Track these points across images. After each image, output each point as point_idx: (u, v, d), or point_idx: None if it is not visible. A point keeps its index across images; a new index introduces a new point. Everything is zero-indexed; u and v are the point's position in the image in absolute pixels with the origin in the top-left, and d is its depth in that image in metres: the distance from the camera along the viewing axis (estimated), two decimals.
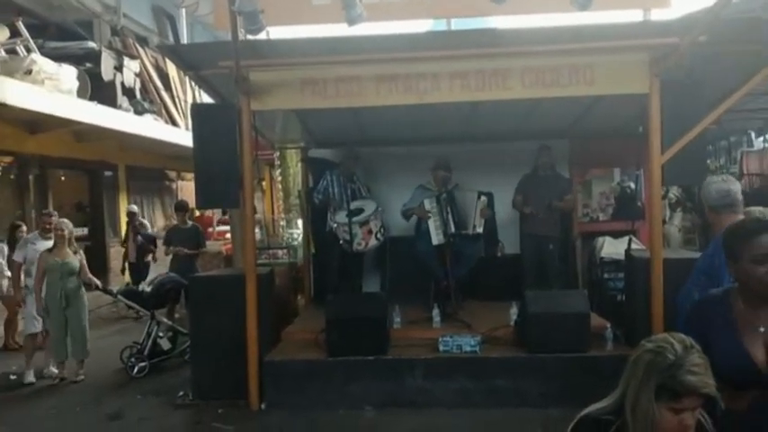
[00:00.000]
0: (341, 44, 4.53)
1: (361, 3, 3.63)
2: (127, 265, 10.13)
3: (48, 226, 6.36)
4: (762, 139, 11.41)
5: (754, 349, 1.92)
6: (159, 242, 9.35)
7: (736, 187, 3.09)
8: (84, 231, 10.32)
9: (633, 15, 5.52)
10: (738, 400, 1.88)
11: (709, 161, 10.53)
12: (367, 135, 6.84)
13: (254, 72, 4.62)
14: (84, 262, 6.17)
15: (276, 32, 6.61)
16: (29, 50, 8.53)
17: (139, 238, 9.68)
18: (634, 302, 5.01)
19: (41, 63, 7.93)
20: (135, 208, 10.63)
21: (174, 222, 8.77)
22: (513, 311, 5.34)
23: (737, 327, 1.96)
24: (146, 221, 10.68)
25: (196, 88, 11.47)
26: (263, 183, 9.86)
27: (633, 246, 5.65)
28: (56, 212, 6.88)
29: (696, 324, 2.05)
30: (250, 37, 4.22)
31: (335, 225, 6.17)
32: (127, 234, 10.24)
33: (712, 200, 3.06)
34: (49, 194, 9.79)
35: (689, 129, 4.45)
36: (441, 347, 4.87)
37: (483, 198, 5.97)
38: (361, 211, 6.14)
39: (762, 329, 1.93)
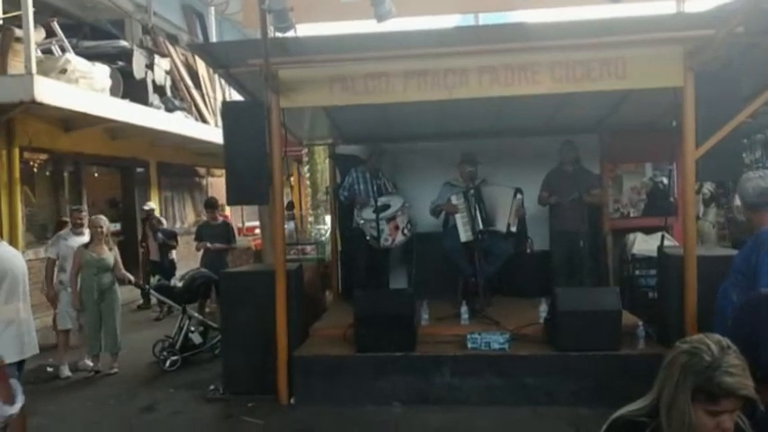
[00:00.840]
0: (369, 41, 4.52)
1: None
2: (149, 265, 9.67)
3: (79, 221, 6.48)
4: None
5: None
6: (181, 238, 9.39)
7: None
8: (117, 227, 10.53)
9: (666, 7, 5.39)
10: None
11: (744, 155, 10.26)
12: (394, 131, 6.83)
13: (283, 69, 4.65)
14: (119, 258, 6.30)
15: (305, 29, 6.64)
16: (63, 50, 8.72)
17: (160, 235, 9.28)
18: (667, 300, 4.92)
19: (75, 62, 8.10)
20: (152, 205, 10.28)
21: (204, 219, 8.91)
22: (543, 309, 5.29)
23: None
24: (162, 218, 10.16)
25: (225, 86, 11.60)
26: (292, 179, 9.93)
27: (666, 242, 5.54)
28: (86, 208, 7.03)
29: (745, 325, 2.01)
30: (279, 35, 4.25)
31: (362, 222, 6.18)
32: (144, 233, 9.86)
33: (749, 197, 2.99)
34: (83, 191, 10.01)
35: (724, 123, 4.34)
36: (469, 344, 4.86)
37: (519, 196, 5.91)
38: (387, 207, 6.14)
39: None
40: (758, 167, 12.33)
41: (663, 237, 5.56)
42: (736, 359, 1.46)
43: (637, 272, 6.54)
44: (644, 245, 6.52)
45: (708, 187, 8.72)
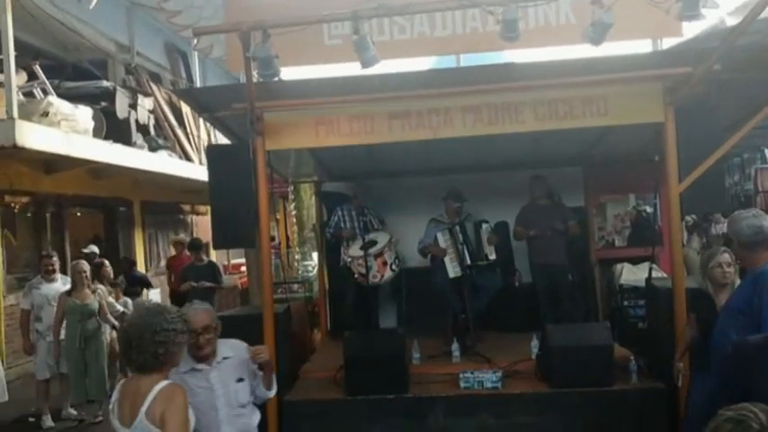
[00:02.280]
0: (353, 84, 4.56)
1: (373, 45, 3.66)
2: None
3: (50, 267, 6.35)
4: None
5: None
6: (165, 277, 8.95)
7: None
8: None
9: (644, 45, 5.52)
10: None
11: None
12: (380, 167, 6.85)
13: (268, 112, 4.65)
14: (104, 302, 6.18)
15: (289, 72, 6.70)
16: (45, 92, 8.70)
17: (121, 280, 7.81)
18: (657, 333, 4.92)
19: (58, 105, 8.07)
20: (94, 248, 8.76)
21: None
22: (534, 344, 5.26)
23: None
24: (108, 267, 7.40)
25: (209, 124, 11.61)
26: (278, 215, 9.89)
27: (654, 273, 5.57)
28: (55, 253, 6.85)
29: (741, 367, 2.01)
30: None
31: (350, 259, 6.16)
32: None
33: (744, 236, 2.99)
34: (66, 232, 9.89)
35: (706, 155, 4.41)
36: (462, 384, 4.80)
37: (485, 225, 5.95)
38: (374, 243, 6.13)
39: None
40: (737, 190, 12.54)
41: (650, 268, 5.59)
42: None
43: (625, 302, 6.56)
44: (631, 275, 6.56)
45: (690, 215, 8.85)
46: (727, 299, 3.22)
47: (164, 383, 2.30)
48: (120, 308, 6.59)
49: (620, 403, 4.47)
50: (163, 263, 12.54)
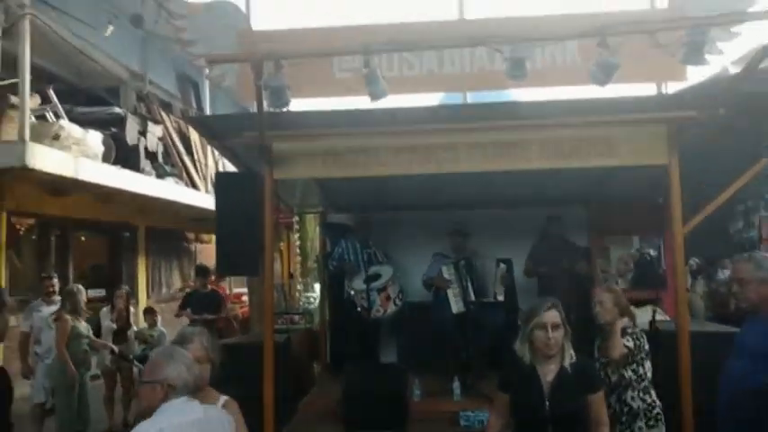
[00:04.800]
0: (362, 117, 4.61)
1: (383, 79, 3.72)
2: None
3: (51, 289, 6.32)
4: None
5: None
6: (167, 305, 8.77)
7: None
8: (102, 293, 10.35)
9: (649, 88, 5.59)
10: None
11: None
12: (385, 200, 6.88)
13: (276, 142, 4.71)
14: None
15: (299, 103, 6.80)
16: (57, 116, 8.82)
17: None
18: (661, 378, 4.85)
19: (69, 129, 8.18)
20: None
21: (192, 285, 8.78)
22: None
23: None
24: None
25: (217, 153, 11.72)
26: (281, 245, 9.89)
27: (657, 316, 5.52)
28: (56, 275, 6.84)
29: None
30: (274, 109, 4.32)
31: (353, 292, 6.13)
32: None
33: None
34: (70, 256, 9.89)
35: (710, 198, 4.43)
36: (462, 422, 4.75)
37: (502, 265, 5.93)
38: (378, 276, 6.11)
39: None
40: (741, 238, 12.52)
41: (654, 311, 5.54)
42: None
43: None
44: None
45: (695, 259, 8.81)
46: (740, 338, 3.17)
47: None
48: None
49: None
50: (164, 290, 12.51)
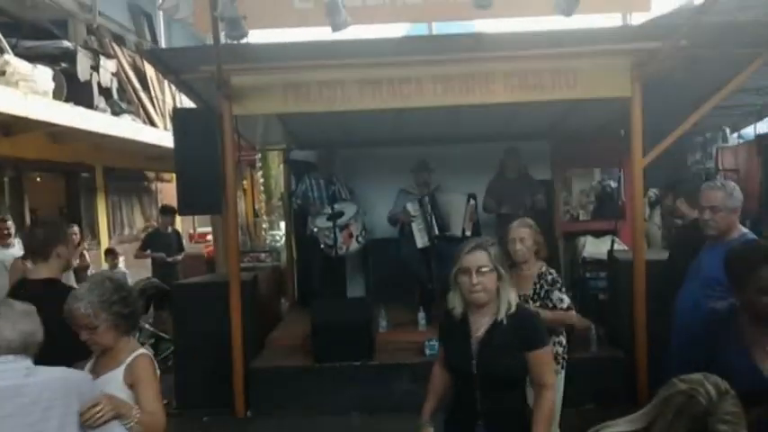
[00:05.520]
0: (324, 49, 4.48)
1: (344, 8, 3.60)
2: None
3: (5, 232, 6.12)
4: (736, 135, 11.59)
5: (765, 366, 2.00)
6: (130, 245, 8.42)
7: None
8: None
9: (614, 19, 5.56)
10: (746, 416, 1.91)
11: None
12: (349, 136, 6.80)
13: (235, 76, 4.56)
14: None
15: (257, 35, 6.55)
16: (2, 51, 8.32)
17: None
18: (617, 305, 5.06)
19: (15, 64, 7.73)
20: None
21: (155, 225, 8.64)
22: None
23: (747, 345, 2.03)
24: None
25: (175, 88, 11.32)
26: (245, 183, 9.77)
27: (615, 246, 5.70)
28: (10, 217, 6.61)
29: (708, 339, 2.09)
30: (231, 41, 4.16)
31: (316, 230, 6.13)
32: None
33: (736, 201, 3.07)
34: (25, 197, 9.59)
35: (670, 131, 4.50)
36: (427, 351, 4.88)
37: (473, 202, 5.97)
38: (341, 214, 6.11)
39: None
40: (699, 169, 12.83)
41: (613, 241, 5.72)
42: (732, 406, 1.42)
43: (587, 274, 6.68)
44: (594, 248, 6.68)
45: (653, 190, 9.02)
46: (696, 265, 3.24)
47: None
48: None
49: (579, 371, 4.56)
50: (127, 231, 12.30)
